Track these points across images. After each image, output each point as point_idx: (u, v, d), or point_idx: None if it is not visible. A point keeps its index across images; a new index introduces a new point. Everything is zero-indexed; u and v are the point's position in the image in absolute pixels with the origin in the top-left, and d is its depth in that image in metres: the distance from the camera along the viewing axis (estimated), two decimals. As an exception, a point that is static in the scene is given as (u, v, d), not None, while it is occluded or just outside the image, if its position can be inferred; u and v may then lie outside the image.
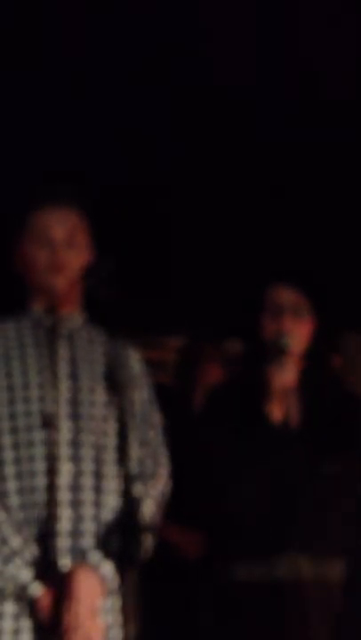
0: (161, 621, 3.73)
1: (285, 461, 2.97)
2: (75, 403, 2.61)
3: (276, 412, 3.01)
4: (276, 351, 3.03)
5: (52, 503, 2.53)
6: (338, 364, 3.28)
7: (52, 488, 2.54)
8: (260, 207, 5.10)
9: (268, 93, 4.82)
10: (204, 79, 4.70)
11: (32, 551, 2.48)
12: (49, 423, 2.57)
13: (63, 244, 2.67)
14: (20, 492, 2.53)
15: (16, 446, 2.56)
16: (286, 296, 3.11)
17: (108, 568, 2.51)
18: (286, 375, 2.98)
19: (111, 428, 2.62)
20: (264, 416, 3.00)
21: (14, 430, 2.56)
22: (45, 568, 2.50)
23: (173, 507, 2.82)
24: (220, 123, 4.99)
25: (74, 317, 2.72)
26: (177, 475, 2.80)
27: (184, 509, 3.27)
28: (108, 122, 4.95)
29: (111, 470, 2.60)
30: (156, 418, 2.76)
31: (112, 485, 2.59)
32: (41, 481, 2.54)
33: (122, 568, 2.45)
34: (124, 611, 2.44)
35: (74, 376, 2.64)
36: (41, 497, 2.53)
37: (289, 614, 2.96)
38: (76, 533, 2.53)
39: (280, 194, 5.07)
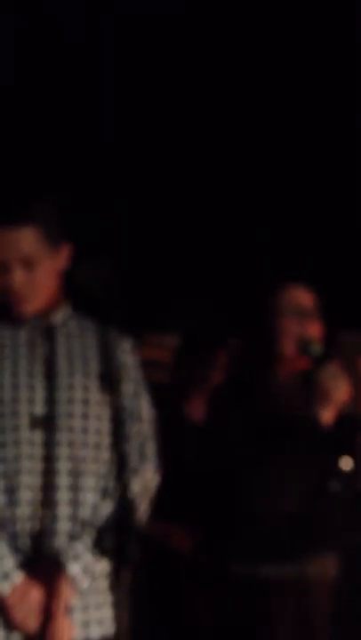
0: (156, 618, 3.74)
1: (324, 463, 2.97)
2: (51, 402, 2.58)
3: (327, 415, 2.98)
4: (306, 356, 3.01)
5: (30, 502, 2.53)
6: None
7: (30, 488, 2.54)
8: (259, 206, 5.11)
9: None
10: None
11: (1, 551, 2.47)
12: (26, 423, 2.56)
13: (19, 267, 2.58)
14: (5, 490, 2.54)
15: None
16: (305, 298, 3.09)
17: (77, 570, 2.49)
18: (343, 385, 2.94)
19: (92, 424, 2.60)
20: (313, 420, 2.97)
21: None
22: (20, 567, 2.49)
23: (167, 504, 2.81)
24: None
25: (55, 314, 2.69)
26: (179, 474, 2.80)
27: (182, 506, 3.28)
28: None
29: (91, 467, 2.58)
30: (145, 411, 2.70)
31: (91, 483, 2.57)
32: (22, 480, 2.54)
33: (114, 565, 2.44)
34: (117, 607, 2.43)
35: (51, 375, 2.61)
36: (22, 496, 2.53)
37: (316, 612, 2.97)
38: (49, 533, 2.51)
39: (279, 190, 5.07)
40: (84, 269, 2.83)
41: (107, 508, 2.50)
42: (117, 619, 2.48)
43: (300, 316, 3.06)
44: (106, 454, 2.55)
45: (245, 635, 2.95)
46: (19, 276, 2.60)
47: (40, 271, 2.62)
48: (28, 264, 2.60)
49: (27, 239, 2.60)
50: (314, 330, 3.06)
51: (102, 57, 5.31)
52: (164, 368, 3.92)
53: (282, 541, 2.94)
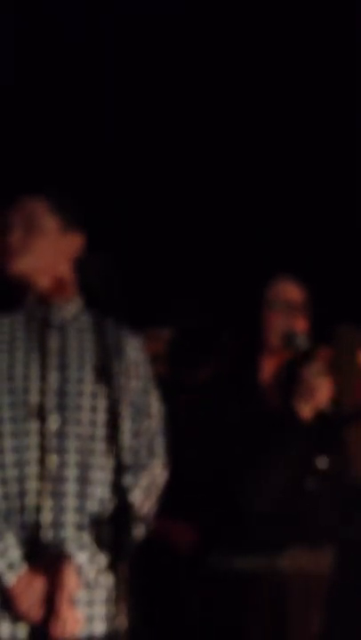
0: (153, 614, 3.72)
1: (302, 459, 2.98)
2: (61, 394, 2.58)
3: (307, 411, 2.98)
4: (291, 350, 3.02)
5: (38, 493, 2.53)
6: (329, 358, 3.29)
7: (37, 478, 2.54)
8: (253, 200, 5.12)
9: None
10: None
11: (8, 541, 2.48)
12: (35, 414, 2.57)
13: (19, 226, 2.65)
14: (16, 480, 2.54)
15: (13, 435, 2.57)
16: (294, 292, 3.10)
17: (84, 559, 2.47)
18: (326, 385, 2.95)
19: (100, 418, 2.59)
20: (294, 413, 2.97)
21: (4, 420, 2.57)
22: (27, 557, 2.47)
23: (171, 499, 2.80)
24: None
25: (67, 306, 2.70)
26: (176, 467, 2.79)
27: (182, 500, 3.28)
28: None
29: (99, 461, 2.57)
30: (154, 407, 2.69)
31: (99, 476, 2.55)
32: (30, 470, 2.55)
33: (113, 559, 2.43)
34: (116, 602, 2.41)
35: (62, 367, 2.61)
36: (30, 486, 2.54)
37: (290, 606, 2.96)
38: (56, 524, 2.50)
39: (277, 189, 5.09)
40: (84, 265, 2.83)
41: (114, 502, 2.49)
42: (118, 616, 2.46)
43: (288, 310, 3.05)
44: (114, 448, 2.53)
45: (222, 628, 2.95)
46: (16, 233, 2.65)
47: (40, 237, 2.66)
48: (29, 226, 2.66)
49: (32, 204, 2.68)
50: (300, 324, 3.06)
51: (102, 57, 5.33)
52: (163, 360, 3.91)
53: (257, 537, 2.94)
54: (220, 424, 3.03)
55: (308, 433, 2.96)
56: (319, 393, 2.93)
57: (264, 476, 2.92)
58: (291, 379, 3.01)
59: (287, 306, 3.05)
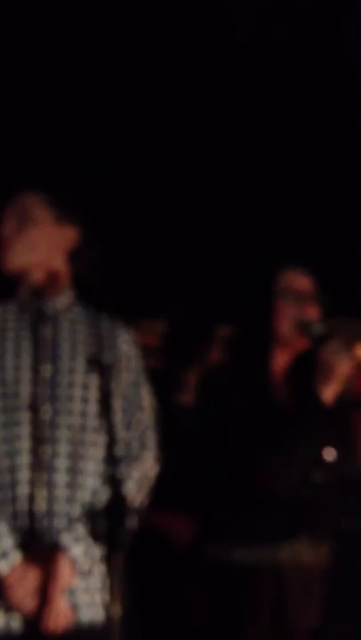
0: (149, 604, 3.73)
1: (323, 444, 2.98)
2: (53, 384, 2.60)
3: (329, 394, 2.99)
4: (307, 337, 3.03)
5: (29, 482, 2.54)
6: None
7: (29, 468, 2.55)
8: (255, 191, 5.13)
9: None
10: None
11: (0, 531, 2.49)
12: (26, 404, 2.58)
13: (15, 219, 2.70)
14: (8, 469, 2.55)
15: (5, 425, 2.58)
16: (304, 282, 3.11)
17: (78, 549, 2.49)
18: (346, 359, 2.96)
19: (91, 408, 2.62)
20: (314, 398, 2.98)
21: (2, 410, 2.59)
22: (20, 547, 2.48)
23: (166, 491, 2.81)
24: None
25: (60, 298, 2.72)
26: (172, 459, 2.79)
27: (177, 493, 3.28)
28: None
29: (90, 451, 2.59)
30: (146, 401, 2.72)
31: (91, 467, 2.57)
32: (22, 460, 2.56)
33: (107, 550, 2.43)
34: (111, 592, 2.41)
35: (54, 357, 2.63)
36: (22, 476, 2.55)
37: (291, 598, 2.96)
38: (47, 514, 2.52)
39: (272, 183, 5.10)
40: (78, 258, 2.84)
41: (106, 493, 2.49)
42: (110, 605, 2.46)
43: (299, 300, 3.06)
44: (105, 439, 2.54)
45: (222, 619, 2.95)
46: (11, 225, 2.69)
47: (34, 228, 2.69)
48: (23, 218, 2.70)
49: (27, 197, 2.73)
50: (312, 313, 3.06)
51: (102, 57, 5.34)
52: (156, 353, 3.91)
53: (259, 528, 2.94)
54: (234, 416, 3.02)
55: (329, 415, 2.96)
56: (339, 370, 2.94)
57: (287, 461, 2.92)
58: (303, 371, 3.02)
59: (298, 296, 3.06)
